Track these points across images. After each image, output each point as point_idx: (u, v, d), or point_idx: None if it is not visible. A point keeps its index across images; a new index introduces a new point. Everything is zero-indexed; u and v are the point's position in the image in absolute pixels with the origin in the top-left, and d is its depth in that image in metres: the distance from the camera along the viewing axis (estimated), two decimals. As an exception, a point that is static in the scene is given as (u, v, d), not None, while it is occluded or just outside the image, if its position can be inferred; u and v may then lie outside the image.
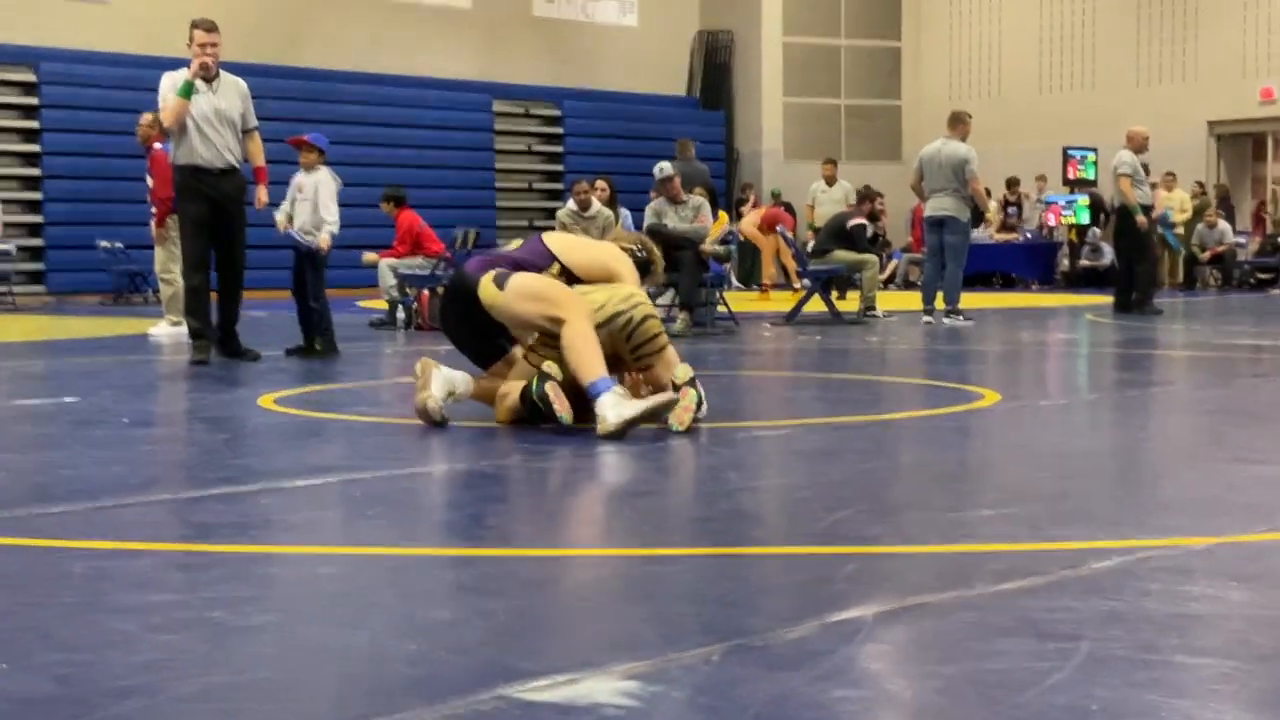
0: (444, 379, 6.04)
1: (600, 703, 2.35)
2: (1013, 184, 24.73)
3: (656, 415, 5.70)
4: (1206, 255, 22.76)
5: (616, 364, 6.06)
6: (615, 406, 5.60)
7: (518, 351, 6.21)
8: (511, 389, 5.97)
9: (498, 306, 6.02)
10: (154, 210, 12.66)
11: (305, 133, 10.60)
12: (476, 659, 2.62)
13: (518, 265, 6.14)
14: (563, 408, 5.68)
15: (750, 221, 22.13)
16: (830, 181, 20.17)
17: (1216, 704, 2.36)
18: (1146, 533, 3.77)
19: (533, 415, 5.81)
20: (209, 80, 9.42)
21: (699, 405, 5.86)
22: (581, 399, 5.77)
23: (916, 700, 2.43)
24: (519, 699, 2.37)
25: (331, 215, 10.06)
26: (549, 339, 5.97)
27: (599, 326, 5.90)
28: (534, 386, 5.74)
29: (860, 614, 2.89)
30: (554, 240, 6.42)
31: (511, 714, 2.30)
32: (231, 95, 9.52)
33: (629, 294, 6.08)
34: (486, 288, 6.02)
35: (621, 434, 5.55)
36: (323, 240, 9.98)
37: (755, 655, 2.62)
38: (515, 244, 6.60)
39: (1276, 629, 2.84)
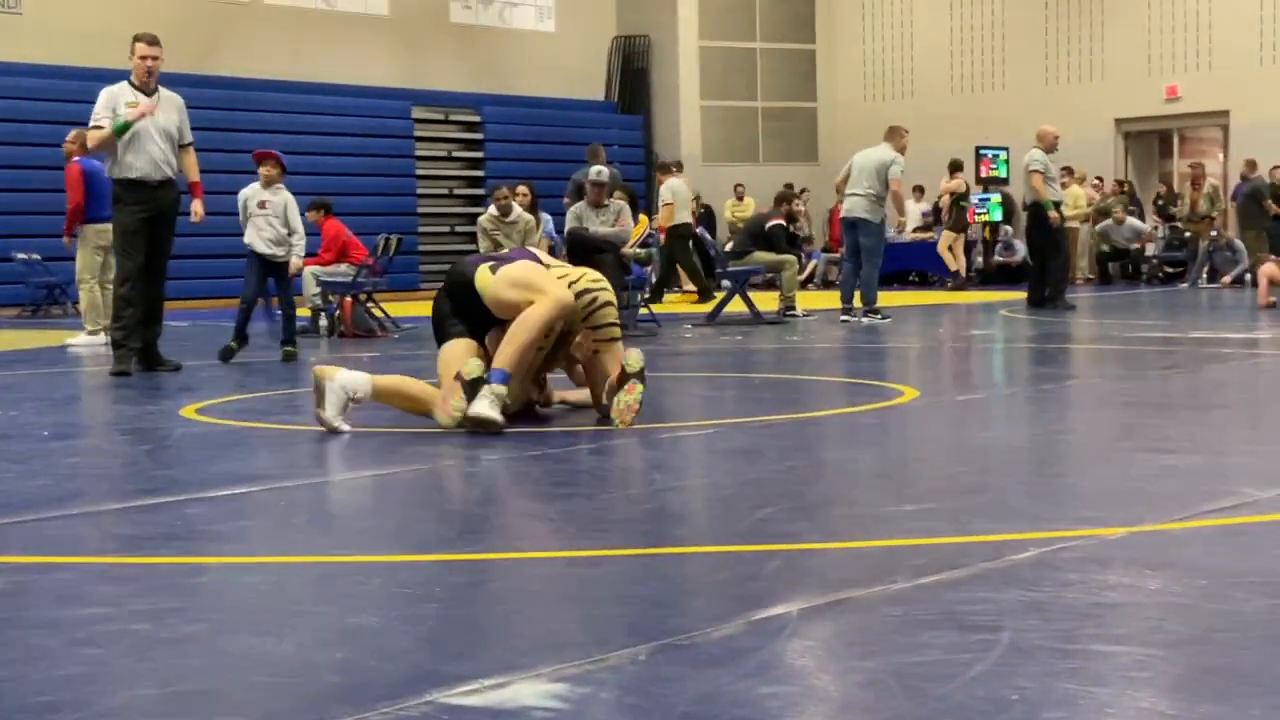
0: (338, 389, 5.97)
1: (529, 705, 2.35)
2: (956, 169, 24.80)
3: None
4: (1138, 247, 23.00)
5: (562, 342, 6.30)
6: (485, 400, 5.77)
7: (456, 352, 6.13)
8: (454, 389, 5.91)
9: (488, 292, 6.12)
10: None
11: (247, 143, 10.65)
12: (405, 665, 2.61)
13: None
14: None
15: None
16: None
17: (1134, 691, 2.39)
18: (1063, 524, 3.81)
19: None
20: (149, 94, 9.39)
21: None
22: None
23: (842, 695, 2.44)
24: (448, 704, 2.36)
25: (303, 236, 10.43)
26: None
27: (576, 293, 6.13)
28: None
29: (785, 610, 2.90)
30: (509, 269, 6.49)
31: (440, 719, 2.29)
32: (170, 109, 9.53)
33: (599, 279, 6.32)
34: (482, 273, 6.15)
35: (461, 424, 5.77)
36: (294, 263, 10.33)
37: (682, 654, 2.62)
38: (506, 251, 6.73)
39: (1190, 616, 2.88)
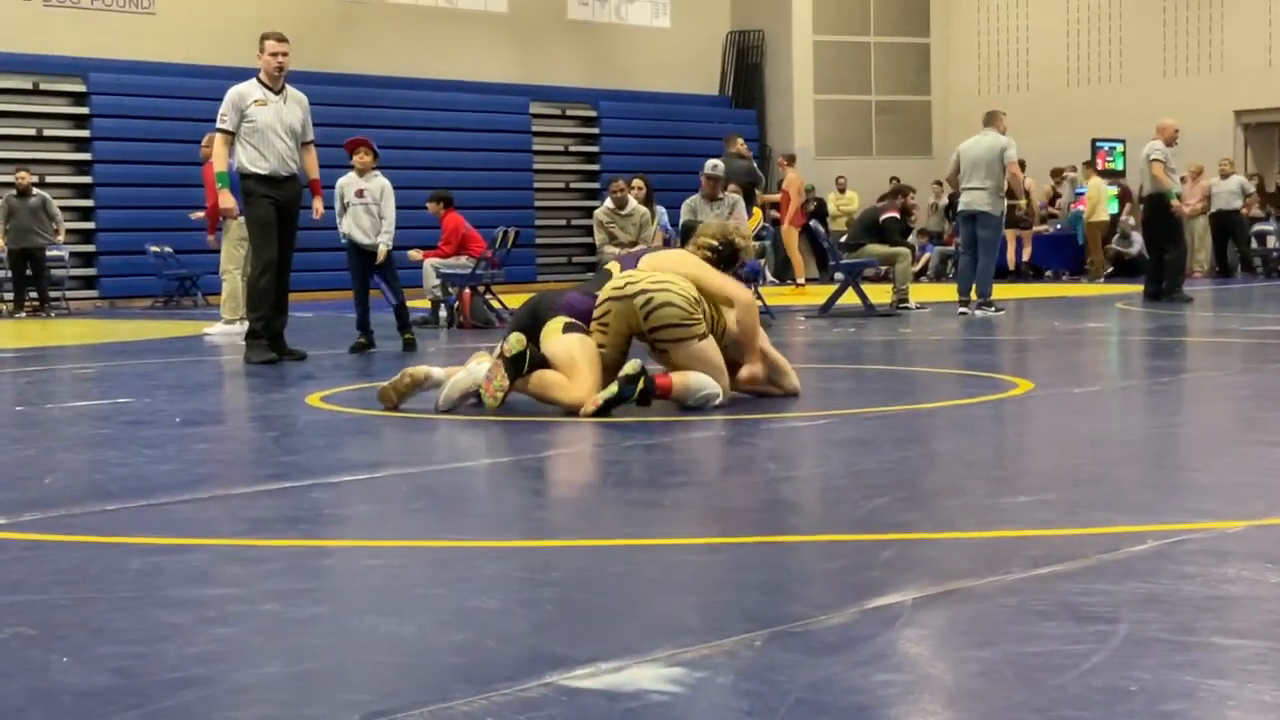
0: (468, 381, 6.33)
1: (645, 689, 2.35)
2: (1057, 174, 24.52)
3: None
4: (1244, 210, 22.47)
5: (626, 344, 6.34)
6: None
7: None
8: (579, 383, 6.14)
9: (545, 344, 6.28)
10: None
11: (349, 137, 10.68)
12: (523, 648, 2.62)
13: (582, 314, 6.39)
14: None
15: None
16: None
17: (1254, 684, 2.34)
18: (1182, 516, 3.74)
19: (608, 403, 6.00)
20: (276, 92, 9.54)
21: (621, 402, 5.96)
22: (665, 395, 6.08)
23: (956, 684, 2.41)
24: (565, 686, 2.37)
25: (393, 224, 10.28)
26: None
27: (615, 299, 6.19)
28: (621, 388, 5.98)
29: (899, 599, 2.87)
30: (649, 259, 6.57)
31: (558, 701, 2.30)
32: (295, 108, 9.65)
33: (664, 280, 6.23)
34: (551, 327, 6.29)
35: (500, 405, 6.14)
36: (382, 251, 10.19)
37: (796, 641, 2.61)
38: (615, 267, 6.62)
39: (1313, 610, 2.81)
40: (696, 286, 6.32)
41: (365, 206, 10.17)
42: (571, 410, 6.03)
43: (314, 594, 3.09)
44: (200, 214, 13.42)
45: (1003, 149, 13.65)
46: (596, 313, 6.27)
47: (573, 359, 6.17)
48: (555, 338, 6.26)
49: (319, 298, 18.47)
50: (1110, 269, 22.47)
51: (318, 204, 9.81)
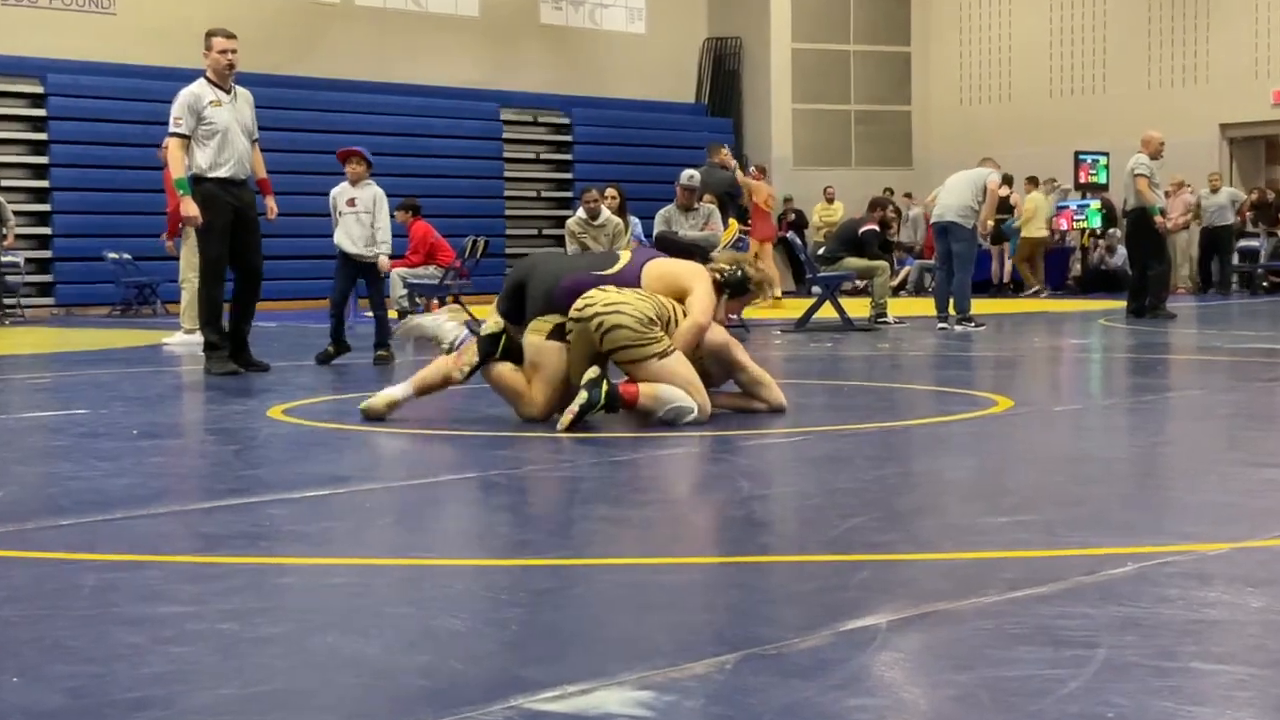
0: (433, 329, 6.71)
1: (613, 713, 2.35)
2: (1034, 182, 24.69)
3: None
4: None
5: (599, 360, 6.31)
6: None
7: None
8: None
9: (527, 335, 6.33)
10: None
11: (335, 144, 10.68)
12: (489, 669, 2.62)
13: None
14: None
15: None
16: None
17: (1234, 710, 2.35)
18: (1163, 538, 3.76)
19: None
20: (227, 91, 9.48)
21: (592, 408, 5.97)
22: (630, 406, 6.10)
23: (932, 708, 2.42)
24: (532, 709, 2.37)
25: (388, 233, 10.31)
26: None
27: (575, 320, 6.19)
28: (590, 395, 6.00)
29: (874, 622, 2.88)
30: (652, 265, 6.61)
31: (524, 724, 2.30)
32: (245, 106, 9.60)
33: (615, 301, 6.19)
34: (540, 328, 6.32)
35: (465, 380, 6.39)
36: (382, 263, 10.26)
37: (769, 664, 2.62)
38: (625, 256, 6.64)
39: (1294, 634, 2.83)
40: (678, 298, 6.37)
41: (356, 216, 10.20)
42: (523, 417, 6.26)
43: (273, 613, 3.08)
44: (170, 243, 13.34)
45: (989, 174, 13.85)
46: (567, 326, 6.29)
47: (538, 369, 6.26)
48: (538, 339, 6.30)
49: (283, 307, 18.43)
50: (1039, 288, 22.62)
51: (271, 203, 9.78)
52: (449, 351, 6.49)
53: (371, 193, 10.23)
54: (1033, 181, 23.17)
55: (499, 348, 6.32)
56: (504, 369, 6.33)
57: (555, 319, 6.30)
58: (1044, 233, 22.82)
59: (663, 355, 6.17)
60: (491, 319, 6.37)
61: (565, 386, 6.22)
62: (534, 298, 6.41)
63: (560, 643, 2.82)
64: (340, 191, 10.31)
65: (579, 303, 6.26)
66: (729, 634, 2.85)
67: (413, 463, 5.66)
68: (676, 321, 6.31)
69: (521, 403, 6.31)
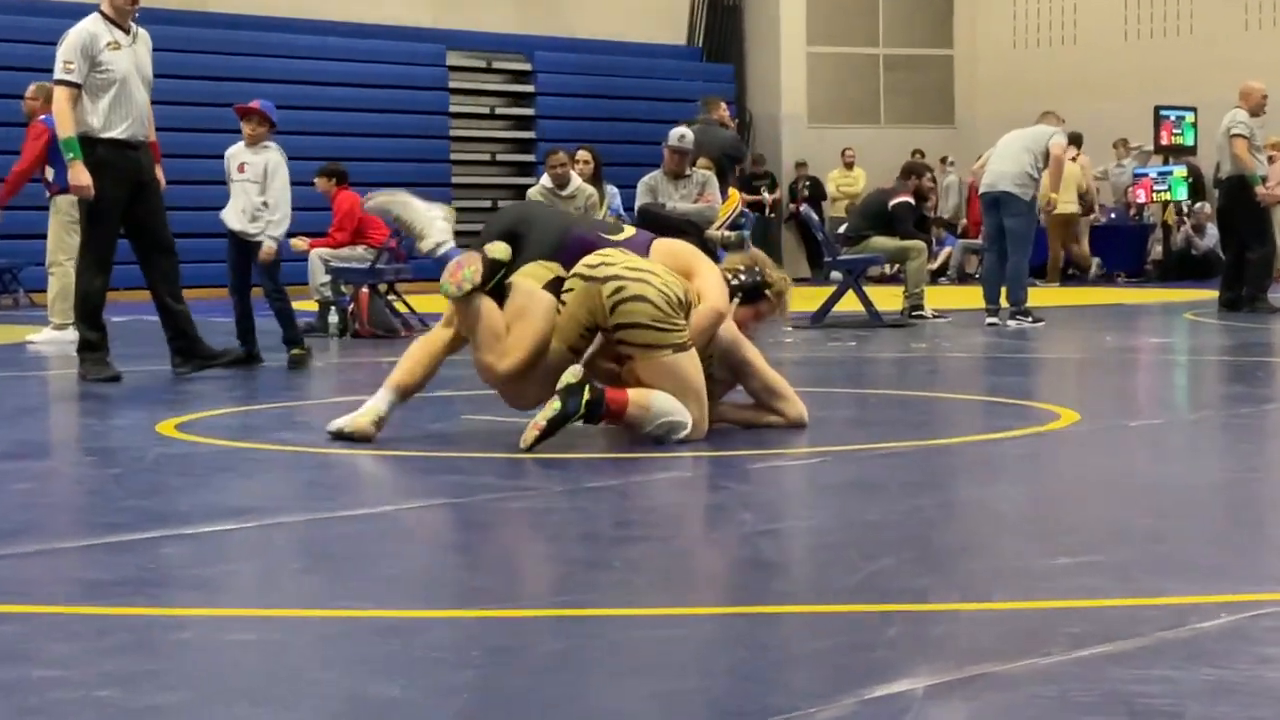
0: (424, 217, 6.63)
1: (586, 800, 2.35)
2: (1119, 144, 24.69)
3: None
4: None
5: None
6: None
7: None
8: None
9: (517, 277, 6.32)
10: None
11: (238, 96, 10.57)
12: (432, 747, 2.62)
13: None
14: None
15: None
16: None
17: (1351, 797, 2.37)
18: (1261, 584, 3.77)
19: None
20: (127, 31, 9.38)
21: (566, 421, 5.93)
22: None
23: (979, 795, 2.43)
24: (485, 796, 2.37)
25: (286, 209, 10.07)
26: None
27: (584, 277, 6.18)
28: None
29: (907, 687, 2.89)
30: (660, 244, 6.65)
31: (476, 815, 2.31)
32: (144, 52, 9.47)
33: (641, 268, 6.22)
34: (537, 272, 6.32)
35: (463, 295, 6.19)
36: (266, 248, 9.94)
37: (778, 740, 2.62)
38: (630, 227, 6.69)
39: None
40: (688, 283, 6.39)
41: (243, 185, 10.01)
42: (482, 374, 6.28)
43: (165, 677, 3.08)
44: None
45: (1051, 134, 13.78)
46: (568, 284, 6.24)
47: (521, 318, 6.20)
48: (530, 284, 6.27)
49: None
50: (1072, 271, 22.72)
51: (159, 172, 9.69)
52: (427, 255, 6.43)
53: (264, 159, 9.98)
54: (1075, 141, 23.03)
55: (494, 280, 6.24)
56: (489, 305, 6.22)
57: (557, 270, 6.27)
58: (1074, 208, 22.58)
59: (679, 349, 6.13)
60: (501, 245, 6.26)
61: (545, 353, 6.17)
62: (539, 242, 6.39)
63: (521, 714, 2.82)
64: (234, 154, 10.13)
65: (592, 258, 6.21)
66: (728, 702, 2.85)
67: (339, 489, 5.65)
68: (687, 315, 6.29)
69: (493, 353, 6.16)
